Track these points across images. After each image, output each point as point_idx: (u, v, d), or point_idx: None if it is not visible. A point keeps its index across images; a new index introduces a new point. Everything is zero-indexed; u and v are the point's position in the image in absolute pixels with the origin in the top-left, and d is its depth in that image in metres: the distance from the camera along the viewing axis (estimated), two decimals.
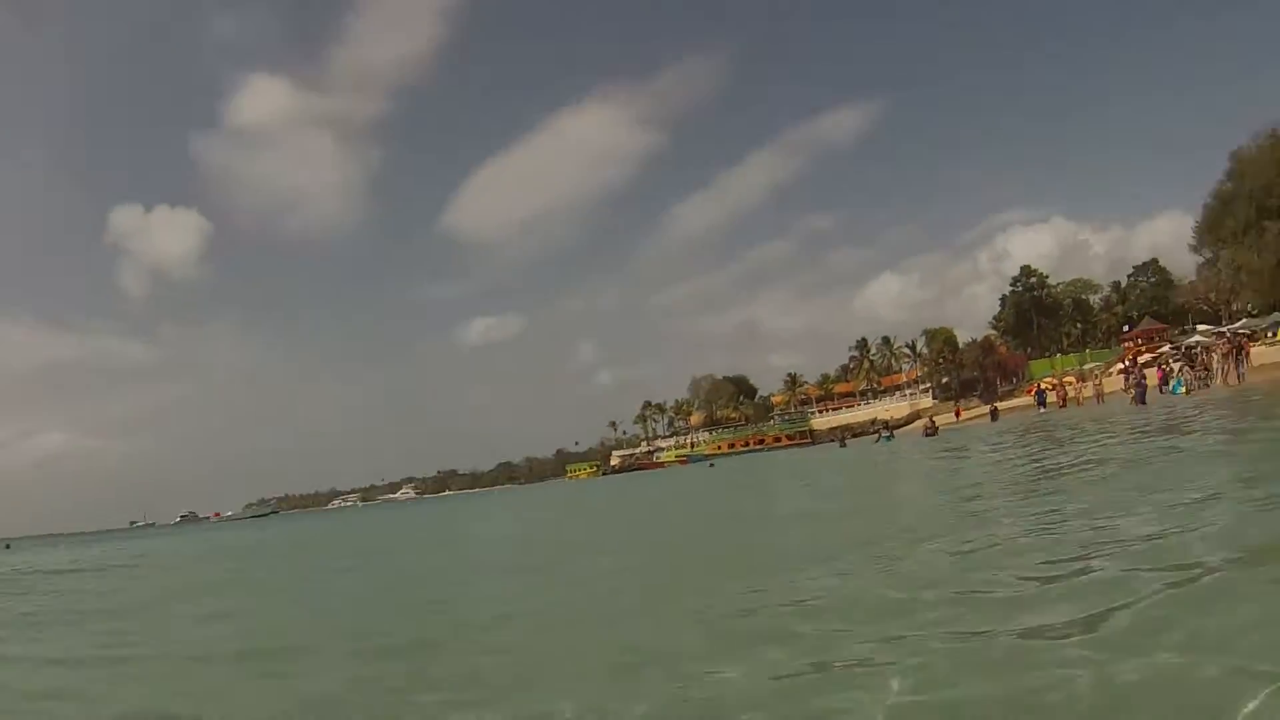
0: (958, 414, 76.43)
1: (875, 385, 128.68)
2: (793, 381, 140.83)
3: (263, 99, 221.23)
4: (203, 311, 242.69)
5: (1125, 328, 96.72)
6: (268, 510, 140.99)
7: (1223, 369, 39.15)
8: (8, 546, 76.57)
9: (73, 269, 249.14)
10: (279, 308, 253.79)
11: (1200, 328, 73.60)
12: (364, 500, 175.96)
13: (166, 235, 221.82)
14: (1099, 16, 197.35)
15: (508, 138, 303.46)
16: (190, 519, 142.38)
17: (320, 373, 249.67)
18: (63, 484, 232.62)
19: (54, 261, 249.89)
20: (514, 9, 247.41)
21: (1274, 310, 64.74)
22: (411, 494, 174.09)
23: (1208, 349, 47.03)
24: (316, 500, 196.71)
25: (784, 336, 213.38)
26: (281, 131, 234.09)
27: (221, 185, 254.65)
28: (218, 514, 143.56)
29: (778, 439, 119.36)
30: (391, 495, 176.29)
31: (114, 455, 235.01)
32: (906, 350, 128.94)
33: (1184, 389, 38.02)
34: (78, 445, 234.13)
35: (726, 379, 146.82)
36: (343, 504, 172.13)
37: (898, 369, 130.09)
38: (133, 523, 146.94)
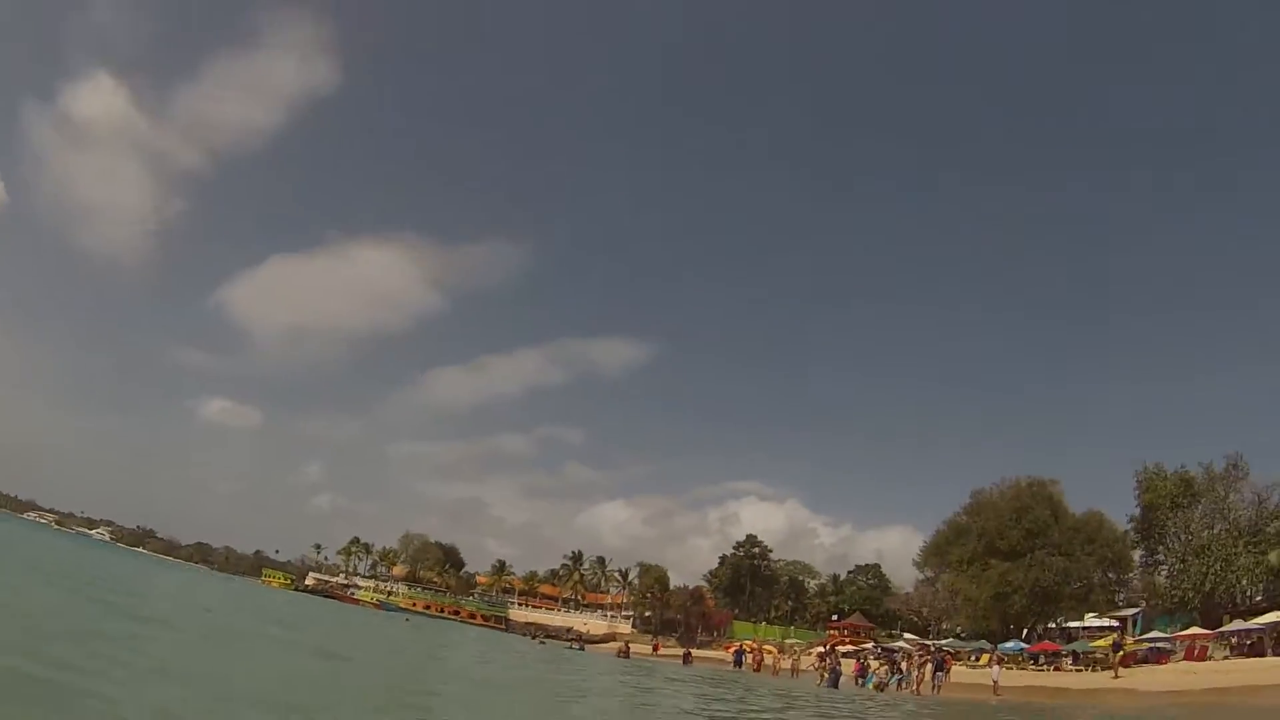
0: (655, 648, 77.02)
1: (580, 598, 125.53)
2: (501, 568, 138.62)
3: (100, 98, 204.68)
4: None
5: (835, 616, 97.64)
6: None
7: (919, 675, 39.19)
8: None
9: None
10: (39, 306, 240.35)
11: (907, 635, 75.85)
12: (59, 524, 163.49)
13: None
14: (880, 352, 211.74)
15: (305, 243, 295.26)
16: None
17: (53, 383, 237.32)
18: None
19: None
20: (356, 125, 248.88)
21: (981, 638, 66.45)
22: (107, 536, 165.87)
23: (909, 654, 48.75)
24: (13, 505, 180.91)
25: (504, 526, 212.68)
26: (104, 138, 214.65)
27: (33, 163, 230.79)
28: None
29: (473, 615, 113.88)
30: (87, 530, 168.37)
31: None
32: (618, 575, 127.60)
33: (874, 683, 39.40)
34: None
35: (438, 544, 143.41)
36: (38, 519, 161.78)
37: (605, 590, 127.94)
38: None
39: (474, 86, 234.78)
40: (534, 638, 76.43)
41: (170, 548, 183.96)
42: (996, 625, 68.44)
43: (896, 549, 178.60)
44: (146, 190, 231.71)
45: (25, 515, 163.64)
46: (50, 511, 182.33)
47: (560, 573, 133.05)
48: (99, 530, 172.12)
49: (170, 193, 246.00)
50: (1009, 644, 59.57)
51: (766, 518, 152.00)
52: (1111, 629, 60.32)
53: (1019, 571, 66.73)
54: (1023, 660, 55.90)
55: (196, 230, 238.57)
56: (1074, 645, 56.96)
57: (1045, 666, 53.69)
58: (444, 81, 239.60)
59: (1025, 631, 67.20)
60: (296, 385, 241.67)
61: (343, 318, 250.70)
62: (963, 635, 73.15)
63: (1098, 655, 51.08)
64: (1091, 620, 65.65)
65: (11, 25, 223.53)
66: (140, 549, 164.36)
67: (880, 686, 38.65)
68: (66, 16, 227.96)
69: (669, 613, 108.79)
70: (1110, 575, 69.47)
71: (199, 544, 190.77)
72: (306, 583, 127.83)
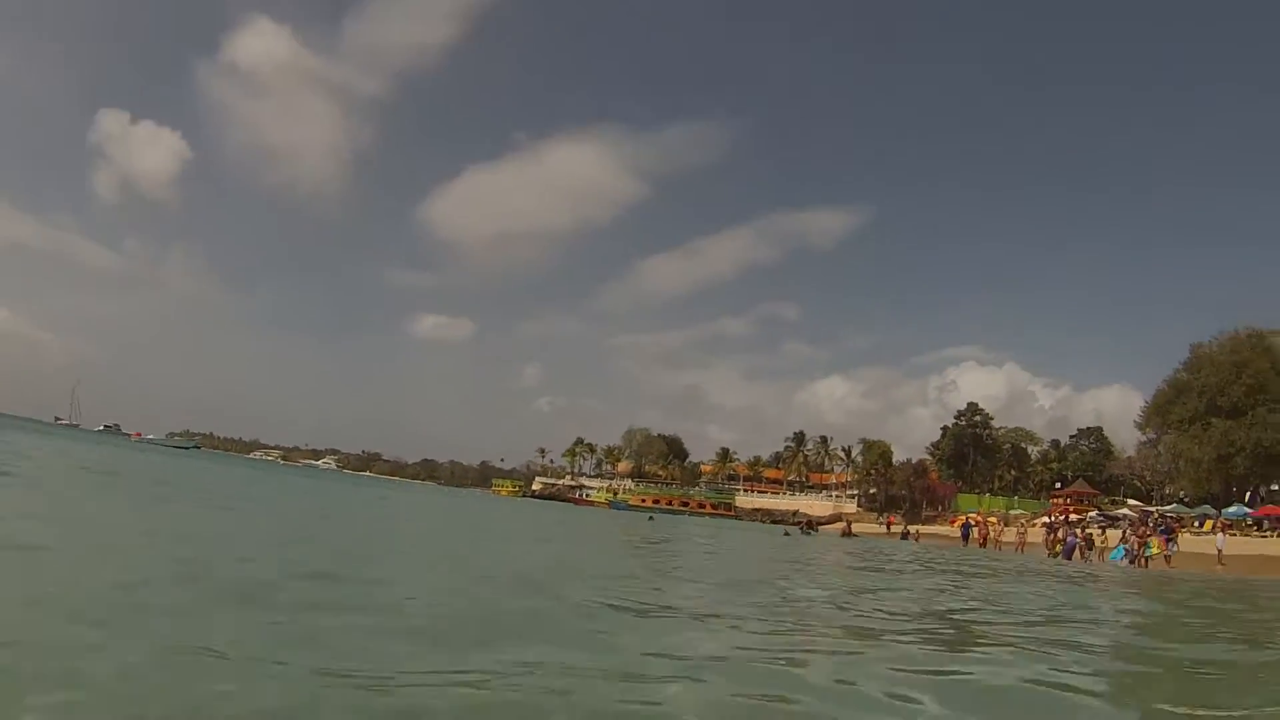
0: (888, 524, 78.26)
1: (804, 479, 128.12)
2: (725, 455, 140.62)
3: (263, 43, 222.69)
4: (168, 234, 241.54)
5: (1058, 484, 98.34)
6: (190, 445, 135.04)
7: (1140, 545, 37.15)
8: None
9: (51, 159, 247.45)
10: (243, 251, 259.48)
11: (1130, 502, 75.64)
12: (285, 460, 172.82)
13: (147, 150, 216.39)
14: (1091, 189, 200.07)
15: (498, 150, 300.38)
16: (113, 431, 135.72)
17: (268, 323, 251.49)
18: None
19: (35, 145, 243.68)
20: (532, 26, 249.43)
21: (1205, 502, 66.19)
22: (333, 465, 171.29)
23: (1133, 523, 47.50)
24: (238, 446, 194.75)
25: (725, 411, 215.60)
26: (278, 81, 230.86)
27: (213, 117, 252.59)
28: (139, 434, 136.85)
29: (701, 505, 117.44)
30: (313, 462, 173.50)
31: (54, 349, 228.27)
32: (841, 454, 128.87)
33: (1125, 558, 35.62)
34: (20, 330, 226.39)
35: (661, 436, 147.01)
36: (264, 457, 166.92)
37: (829, 469, 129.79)
38: (57, 419, 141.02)
39: None
40: (775, 523, 75.52)
41: (396, 468, 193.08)
42: (1219, 488, 68.39)
43: (1116, 409, 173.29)
44: (334, 123, 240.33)
45: (251, 455, 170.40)
46: (275, 448, 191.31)
47: (784, 455, 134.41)
48: (325, 460, 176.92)
49: (358, 121, 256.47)
50: (1232, 509, 59.86)
51: (985, 383, 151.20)
52: None
53: (1241, 430, 66.47)
54: (1246, 526, 55.33)
55: (390, 154, 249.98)
56: None
57: (1269, 533, 52.78)
58: None
59: (1248, 495, 66.77)
60: (507, 292, 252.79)
61: (546, 218, 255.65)
62: (1185, 500, 71.58)
63: None
64: None
65: None
66: (366, 473, 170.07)
67: (1133, 559, 34.57)
68: None
69: (893, 489, 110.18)
70: None
71: (424, 461, 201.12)
72: (534, 488, 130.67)
